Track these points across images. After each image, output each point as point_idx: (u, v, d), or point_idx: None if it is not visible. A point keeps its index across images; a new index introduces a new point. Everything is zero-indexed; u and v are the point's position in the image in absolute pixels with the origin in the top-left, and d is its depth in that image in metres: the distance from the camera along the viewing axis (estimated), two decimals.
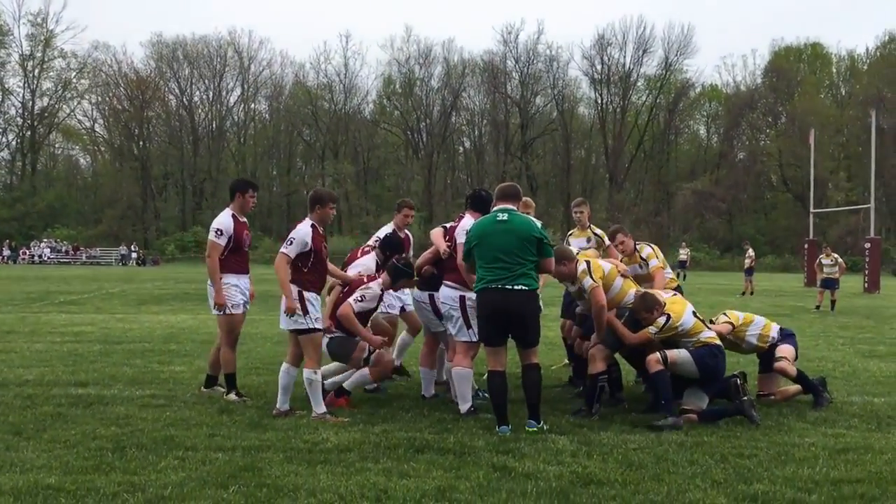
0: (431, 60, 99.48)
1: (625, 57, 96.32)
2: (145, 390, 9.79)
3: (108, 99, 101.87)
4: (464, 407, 8.68)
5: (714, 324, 9.42)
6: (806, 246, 47.74)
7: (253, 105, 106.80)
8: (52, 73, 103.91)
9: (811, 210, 49.65)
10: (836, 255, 26.80)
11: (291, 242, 8.47)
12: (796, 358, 9.74)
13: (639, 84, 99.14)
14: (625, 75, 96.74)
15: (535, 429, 7.79)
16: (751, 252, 36.03)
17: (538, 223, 8.07)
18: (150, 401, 9.15)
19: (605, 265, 9.13)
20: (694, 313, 8.83)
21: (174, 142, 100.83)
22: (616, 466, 6.75)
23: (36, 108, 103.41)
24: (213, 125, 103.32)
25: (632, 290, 9.16)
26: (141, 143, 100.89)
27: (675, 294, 9.33)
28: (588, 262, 8.94)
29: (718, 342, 8.76)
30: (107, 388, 9.94)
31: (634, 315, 8.80)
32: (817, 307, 25.66)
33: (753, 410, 8.45)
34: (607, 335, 8.82)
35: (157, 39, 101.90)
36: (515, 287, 7.74)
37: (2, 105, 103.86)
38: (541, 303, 8.52)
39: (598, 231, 11.03)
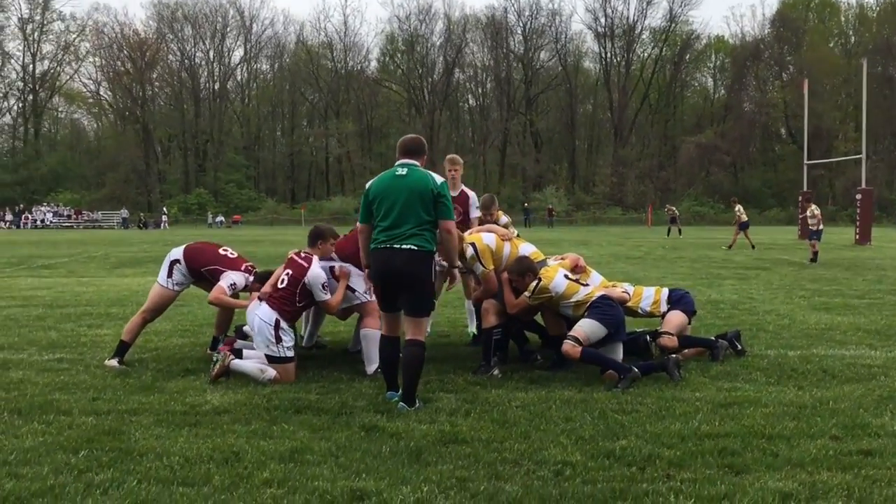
0: (432, 16, 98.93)
1: (629, 9, 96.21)
2: (56, 354, 9.72)
3: (111, 62, 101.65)
4: (369, 368, 8.57)
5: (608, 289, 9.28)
6: (800, 198, 47.32)
7: (255, 65, 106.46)
8: (51, 36, 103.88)
9: (805, 161, 49.07)
10: (814, 207, 26.47)
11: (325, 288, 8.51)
12: (691, 319, 9.67)
13: (643, 37, 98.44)
14: (629, 28, 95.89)
15: (408, 411, 7.04)
16: (739, 208, 35.65)
17: (440, 179, 7.38)
18: (53, 365, 9.07)
19: (490, 240, 8.87)
20: (566, 276, 8.65)
21: (176, 104, 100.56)
22: (488, 425, 6.64)
23: (37, 71, 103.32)
24: (216, 86, 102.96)
25: (522, 245, 9.03)
26: (144, 105, 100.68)
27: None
28: (474, 245, 8.69)
29: (602, 292, 8.59)
30: (20, 352, 9.87)
31: (508, 277, 8.63)
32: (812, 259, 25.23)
33: (677, 369, 8.25)
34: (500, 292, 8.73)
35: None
36: (403, 246, 7.10)
37: (2, 69, 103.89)
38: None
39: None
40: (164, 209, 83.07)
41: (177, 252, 9.31)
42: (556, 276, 8.51)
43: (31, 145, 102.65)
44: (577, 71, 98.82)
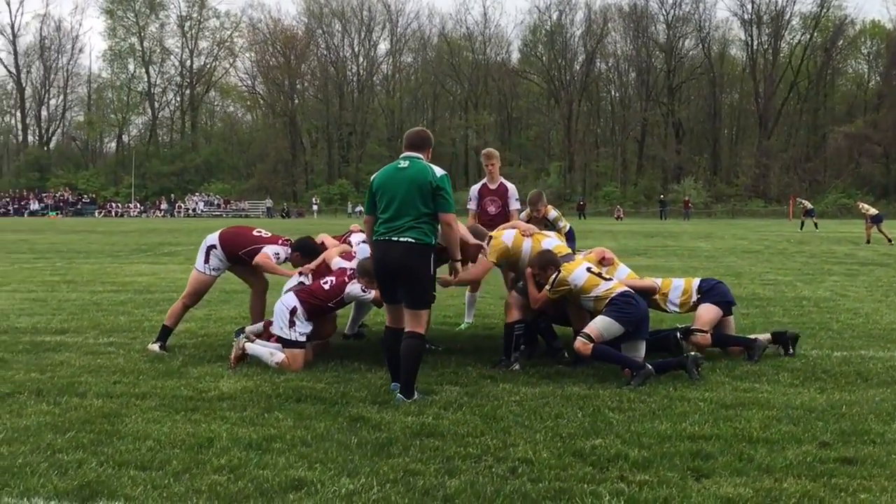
0: (573, 6, 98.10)
1: None
2: (109, 338, 10.16)
3: (266, 58, 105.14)
4: None
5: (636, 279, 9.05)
6: None
7: (400, 58, 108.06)
8: (207, 33, 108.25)
9: None
10: None
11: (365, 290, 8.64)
12: (728, 311, 9.30)
13: (793, 23, 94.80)
14: (777, 14, 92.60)
15: (404, 403, 7.05)
16: (862, 204, 34.18)
17: (440, 172, 7.35)
18: (101, 348, 9.48)
19: (508, 237, 8.83)
20: (589, 269, 8.42)
21: (323, 97, 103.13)
22: (473, 419, 6.60)
23: (194, 67, 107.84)
24: (360, 79, 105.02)
25: (545, 240, 8.87)
26: (295, 99, 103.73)
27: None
28: (490, 238, 8.76)
29: (624, 288, 8.32)
30: (79, 335, 10.35)
31: (531, 271, 8.52)
32: None
33: (696, 367, 8.01)
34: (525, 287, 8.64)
35: None
36: (401, 239, 7.10)
37: (163, 65, 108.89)
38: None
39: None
40: (315, 199, 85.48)
41: (213, 238, 9.57)
42: (576, 269, 8.35)
43: (188, 137, 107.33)
44: (721, 59, 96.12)
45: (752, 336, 9.26)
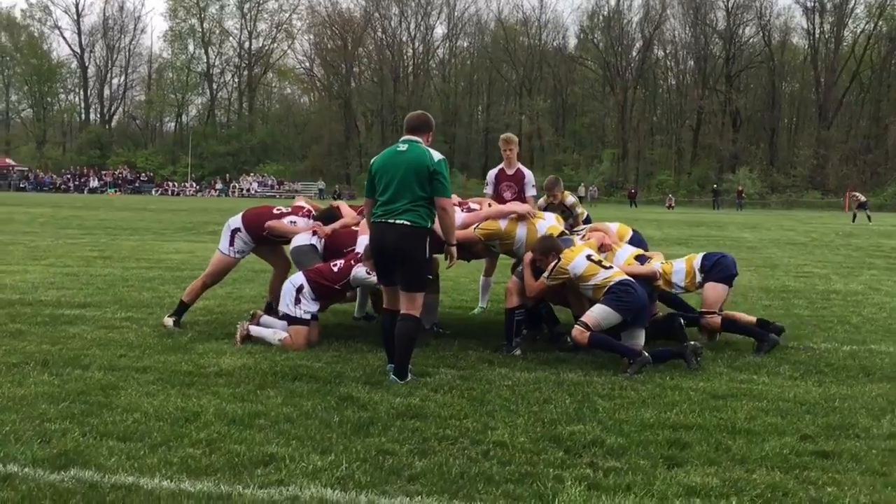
0: None
1: None
2: (127, 313, 10.35)
3: (323, 41, 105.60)
4: None
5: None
6: None
7: (456, 42, 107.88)
8: (265, 15, 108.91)
9: None
10: None
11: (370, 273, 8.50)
12: (731, 283, 9.17)
13: (857, 11, 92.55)
14: (841, 2, 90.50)
15: (397, 384, 7.12)
16: None
17: (438, 156, 7.30)
18: (116, 323, 9.69)
19: (502, 222, 8.85)
20: (589, 257, 8.35)
21: (379, 80, 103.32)
22: (460, 402, 6.65)
23: (252, 48, 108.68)
24: (416, 63, 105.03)
25: (539, 222, 8.82)
26: (351, 82, 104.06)
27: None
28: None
29: (623, 276, 8.23)
30: (98, 309, 10.56)
31: (533, 256, 8.49)
32: None
33: (694, 356, 7.97)
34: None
35: None
36: (397, 221, 7.15)
37: (221, 46, 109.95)
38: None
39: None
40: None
41: (236, 221, 9.70)
42: (576, 257, 8.29)
43: (245, 118, 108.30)
44: (782, 47, 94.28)
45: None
